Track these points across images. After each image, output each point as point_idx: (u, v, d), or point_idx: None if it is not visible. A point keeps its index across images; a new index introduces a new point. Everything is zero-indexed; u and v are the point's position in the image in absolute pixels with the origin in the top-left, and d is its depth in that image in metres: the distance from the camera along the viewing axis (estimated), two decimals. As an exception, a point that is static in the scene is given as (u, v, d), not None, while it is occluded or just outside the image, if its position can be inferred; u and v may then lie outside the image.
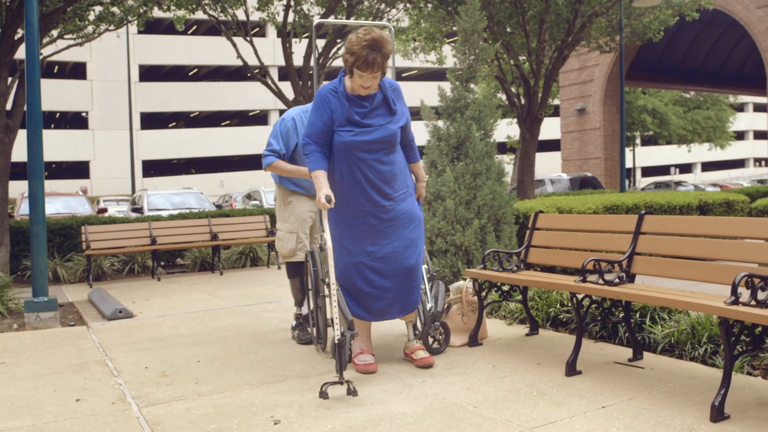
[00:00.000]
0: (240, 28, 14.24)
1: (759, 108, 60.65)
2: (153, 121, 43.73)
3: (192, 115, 46.87)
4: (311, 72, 13.84)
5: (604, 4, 14.26)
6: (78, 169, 40.95)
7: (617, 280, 3.92)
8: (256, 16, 15.02)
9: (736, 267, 3.44)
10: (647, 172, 58.15)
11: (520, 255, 4.89)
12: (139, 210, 15.29)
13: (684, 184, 35.31)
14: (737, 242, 3.54)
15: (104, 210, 16.37)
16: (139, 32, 37.87)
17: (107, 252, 9.38)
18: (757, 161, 64.98)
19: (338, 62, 15.97)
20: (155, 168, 43.48)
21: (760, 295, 3.16)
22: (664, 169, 56.07)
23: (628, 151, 39.95)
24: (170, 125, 47.45)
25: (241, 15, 14.46)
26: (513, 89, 16.55)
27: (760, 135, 62.30)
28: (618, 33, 16.11)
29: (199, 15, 14.59)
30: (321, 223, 4.41)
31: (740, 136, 59.60)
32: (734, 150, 55.37)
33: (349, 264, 4.01)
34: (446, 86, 7.26)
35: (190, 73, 47.06)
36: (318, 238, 4.93)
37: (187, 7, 12.92)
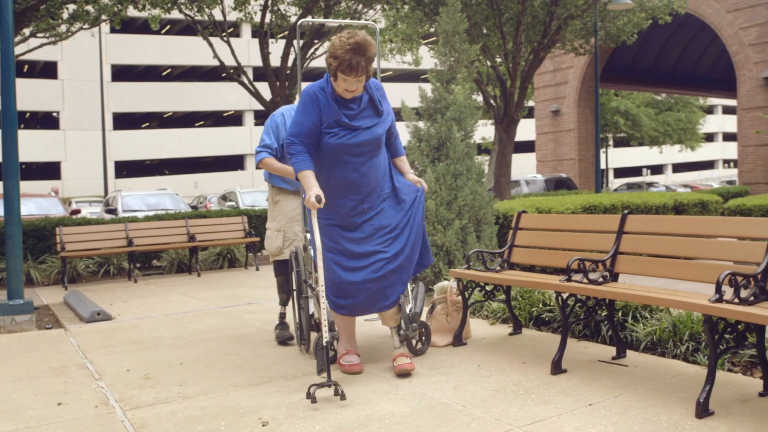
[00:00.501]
0: (216, 27, 14.13)
1: (728, 110, 61.73)
2: (126, 121, 43.20)
3: (165, 116, 46.39)
4: (288, 72, 13.79)
5: (579, 6, 14.42)
6: (49, 170, 40.29)
7: (601, 279, 3.96)
8: (232, 16, 14.93)
9: (719, 265, 3.50)
10: (619, 173, 58.87)
11: (504, 255, 4.92)
12: (113, 211, 15.07)
13: (655, 185, 35.82)
14: (719, 241, 3.60)
15: (77, 211, 16.13)
16: (112, 31, 37.41)
17: (83, 254, 9.24)
18: (726, 162, 66.13)
19: (315, 63, 15.92)
20: (128, 169, 42.96)
21: (743, 293, 3.21)
22: (636, 170, 56.81)
23: (600, 153, 40.38)
24: (143, 126, 46.91)
25: (217, 15, 14.35)
26: (489, 90, 16.66)
27: (729, 137, 63.39)
28: (593, 35, 16.30)
29: (174, 15, 14.46)
30: (305, 222, 4.39)
31: (710, 137, 60.59)
32: (704, 151, 56.29)
33: (329, 261, 3.96)
34: (426, 87, 7.28)
35: (164, 73, 46.58)
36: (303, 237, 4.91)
37: (163, 6, 12.80)
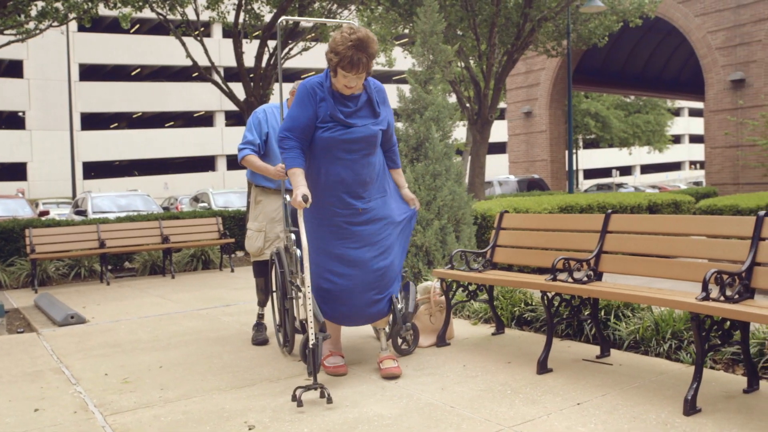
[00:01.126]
0: (189, 27, 13.94)
1: (694, 113, 62.85)
2: (94, 121, 42.49)
3: (135, 116, 45.73)
4: (262, 72, 13.65)
5: (552, 9, 14.54)
6: (14, 171, 39.43)
7: (586, 279, 3.97)
8: (204, 15, 14.74)
9: (703, 264, 3.53)
10: (589, 174, 59.54)
11: (486, 255, 4.91)
12: (82, 213, 14.78)
13: (625, 186, 36.28)
14: (702, 240, 3.63)
15: (46, 212, 15.77)
16: (80, 30, 36.80)
17: (53, 256, 9.04)
18: (693, 164, 67.29)
19: (289, 63, 15.81)
20: (96, 170, 42.26)
21: (728, 291, 3.24)
22: (605, 172, 57.52)
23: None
24: (112, 126, 46.19)
25: (190, 14, 14.15)
26: (463, 91, 16.70)
27: (695, 139, 64.52)
28: (565, 37, 16.45)
29: (144, 13, 14.23)
30: (288, 222, 4.32)
31: (677, 139, 61.63)
32: (671, 153, 57.21)
33: (316, 265, 3.91)
34: (404, 88, 7.26)
35: (133, 73, 45.91)
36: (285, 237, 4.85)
37: (134, 4, 12.57)
